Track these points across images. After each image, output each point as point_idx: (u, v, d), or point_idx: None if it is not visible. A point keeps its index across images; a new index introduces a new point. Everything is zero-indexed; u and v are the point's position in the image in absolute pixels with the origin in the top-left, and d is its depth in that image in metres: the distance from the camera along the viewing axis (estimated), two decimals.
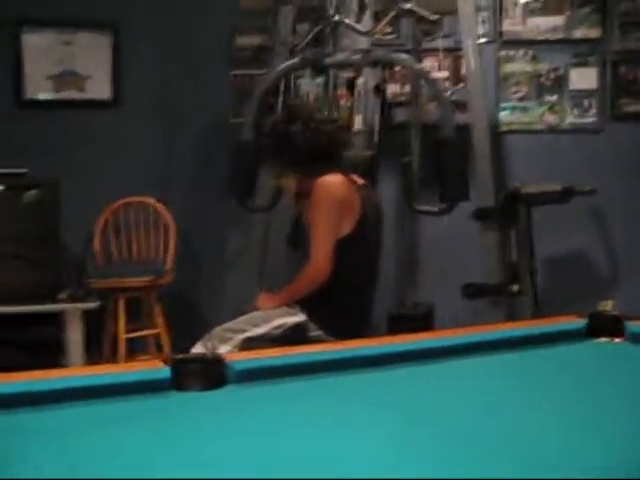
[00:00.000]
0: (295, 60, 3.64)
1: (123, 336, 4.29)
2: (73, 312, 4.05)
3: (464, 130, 3.84)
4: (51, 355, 3.96)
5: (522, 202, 3.62)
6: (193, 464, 1.13)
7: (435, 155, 3.44)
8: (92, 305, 4.09)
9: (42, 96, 4.74)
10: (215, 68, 4.85)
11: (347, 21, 3.45)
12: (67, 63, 4.76)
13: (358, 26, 3.46)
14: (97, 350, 4.35)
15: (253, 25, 4.69)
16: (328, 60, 3.47)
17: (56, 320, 4.14)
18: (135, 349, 4.51)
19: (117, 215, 4.68)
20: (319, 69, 3.69)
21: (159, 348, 4.46)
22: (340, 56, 3.46)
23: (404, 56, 3.73)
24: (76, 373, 1.61)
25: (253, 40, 4.69)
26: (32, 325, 4.14)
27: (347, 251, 2.89)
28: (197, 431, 1.32)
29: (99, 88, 4.84)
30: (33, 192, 4.19)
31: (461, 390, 1.56)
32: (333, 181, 2.88)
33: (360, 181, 3.04)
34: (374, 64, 3.55)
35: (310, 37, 3.56)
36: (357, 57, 3.44)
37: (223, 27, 4.81)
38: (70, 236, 4.57)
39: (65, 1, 4.70)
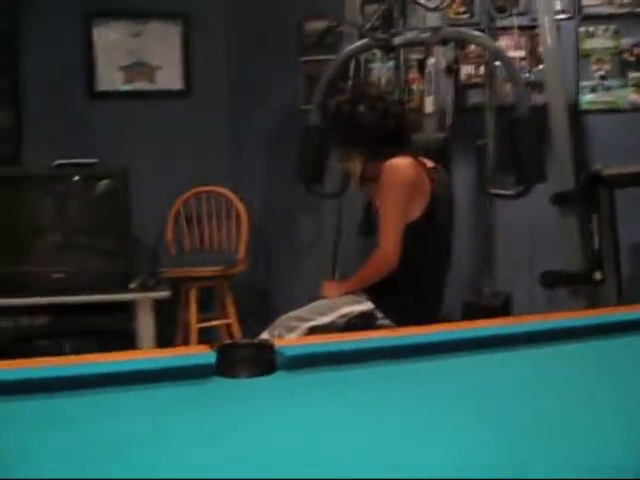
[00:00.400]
0: (363, 41, 3.53)
1: (195, 326, 4.29)
2: (144, 301, 4.05)
3: (541, 111, 3.67)
4: (122, 344, 3.97)
5: (604, 185, 3.41)
6: (232, 453, 1.04)
7: (510, 136, 3.28)
8: (163, 294, 4.08)
9: (113, 87, 4.76)
10: (284, 55, 4.79)
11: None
12: (137, 54, 4.78)
13: (426, 1, 3.32)
14: (169, 341, 4.35)
15: (322, 9, 4.59)
16: (397, 40, 3.34)
17: (128, 309, 4.16)
18: (207, 339, 4.49)
19: (189, 205, 4.67)
20: (388, 50, 3.56)
21: (231, 338, 4.43)
22: (409, 35, 3.33)
23: (477, 33, 3.56)
24: (114, 358, 1.55)
25: (322, 25, 4.60)
26: (104, 314, 4.17)
27: (417, 236, 2.78)
28: (240, 419, 1.24)
29: (169, 78, 4.84)
30: (104, 182, 4.21)
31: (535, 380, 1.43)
32: (402, 163, 2.77)
33: (430, 164, 2.91)
34: (444, 42, 3.40)
35: (377, 16, 3.44)
36: (427, 35, 3.30)
37: (291, 13, 4.75)
38: (142, 226, 4.59)
39: None
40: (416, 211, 2.78)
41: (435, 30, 3.31)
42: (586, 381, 1.42)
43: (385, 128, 2.84)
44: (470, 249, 4.22)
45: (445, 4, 3.35)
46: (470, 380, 1.45)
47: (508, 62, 3.30)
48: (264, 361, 1.55)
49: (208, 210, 4.67)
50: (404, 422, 1.17)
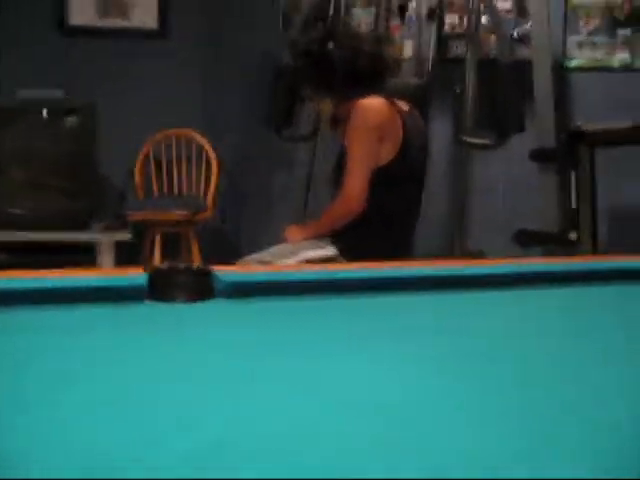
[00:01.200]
0: None
1: None
2: (106, 243, 3.93)
3: (526, 65, 3.55)
4: None
5: (585, 141, 3.31)
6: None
7: (489, 84, 3.15)
8: (125, 236, 3.96)
9: (85, 22, 4.57)
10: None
11: None
12: None
13: None
14: None
15: None
16: None
17: (91, 251, 4.03)
18: None
19: (159, 147, 4.53)
20: None
21: None
22: None
23: None
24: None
25: None
26: (66, 254, 4.03)
27: (385, 181, 2.64)
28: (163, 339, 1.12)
29: (145, 16, 4.66)
30: (70, 118, 4.05)
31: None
32: (373, 103, 2.63)
33: (405, 107, 2.77)
34: None
35: None
36: None
37: None
38: (111, 167, 4.45)
39: None
40: (386, 155, 2.64)
41: None
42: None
43: (357, 67, 2.68)
44: (443, 202, 4.11)
45: None
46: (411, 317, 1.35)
47: (492, 6, 3.16)
48: (201, 287, 1.45)
49: (178, 154, 4.53)
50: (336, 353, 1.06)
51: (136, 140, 4.44)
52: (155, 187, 4.53)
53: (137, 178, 4.47)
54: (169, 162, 4.53)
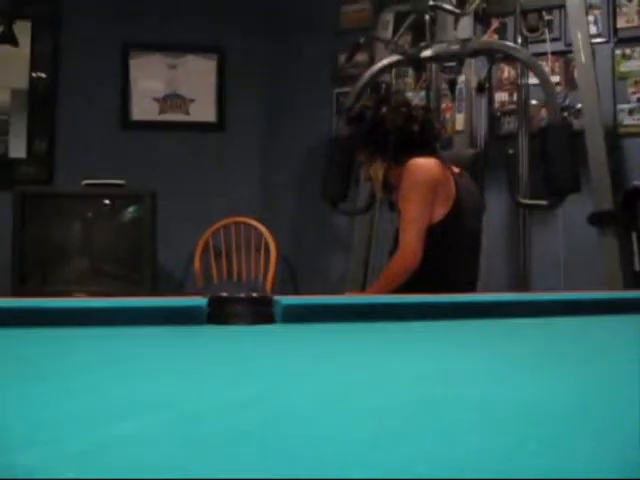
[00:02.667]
0: (391, 57, 3.48)
1: None
2: None
3: (579, 136, 3.56)
4: None
5: None
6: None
7: (541, 145, 3.16)
8: None
9: (147, 117, 4.78)
10: (318, 87, 4.79)
11: (444, 5, 3.26)
12: (172, 86, 4.82)
13: (452, 7, 3.27)
14: None
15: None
16: (425, 52, 3.28)
17: None
18: None
19: (218, 235, 4.61)
20: (418, 66, 3.49)
21: None
22: (438, 48, 3.26)
23: (508, 43, 3.49)
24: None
25: (357, 57, 4.58)
26: None
27: (440, 238, 2.64)
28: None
29: (203, 111, 4.85)
30: (132, 207, 4.18)
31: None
32: (426, 162, 2.67)
33: (456, 169, 2.81)
34: (475, 54, 3.32)
35: (405, 27, 3.38)
36: (456, 47, 3.23)
37: (326, 47, 4.76)
38: (171, 256, 4.54)
39: (172, 25, 4.78)
40: (439, 212, 2.65)
41: (465, 42, 3.25)
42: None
43: (408, 132, 2.74)
44: (502, 266, 4.07)
45: (472, 8, 3.29)
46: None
47: (540, 70, 3.21)
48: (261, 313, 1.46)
49: (237, 241, 4.60)
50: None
51: (195, 229, 4.54)
52: (215, 274, 4.59)
53: (197, 265, 4.54)
54: (228, 249, 4.60)
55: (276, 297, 1.49)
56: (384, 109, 2.75)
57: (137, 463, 0.50)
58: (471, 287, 2.85)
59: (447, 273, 2.71)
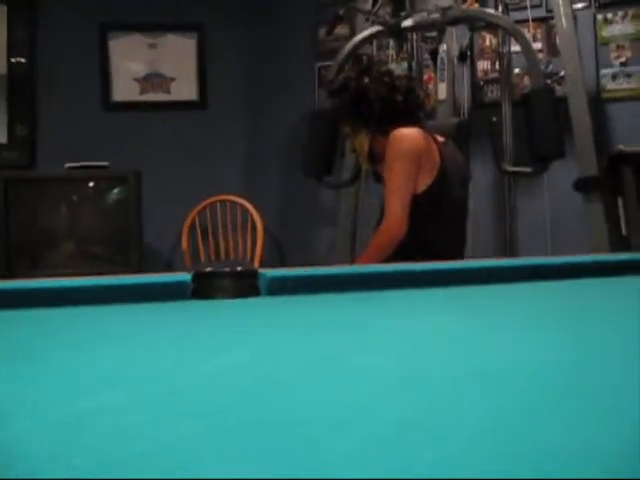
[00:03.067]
0: (371, 28, 3.45)
1: None
2: None
3: (561, 102, 3.55)
4: None
5: (628, 163, 3.26)
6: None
7: (525, 112, 3.15)
8: None
9: (128, 98, 4.74)
10: (300, 63, 4.75)
11: None
12: (153, 66, 4.77)
13: None
14: None
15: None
16: (406, 22, 3.25)
17: None
18: None
19: (204, 214, 4.60)
20: (399, 37, 3.45)
21: None
22: (418, 17, 3.24)
23: (489, 10, 3.46)
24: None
25: (338, 30, 4.55)
26: None
27: (425, 208, 2.63)
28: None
29: (185, 90, 4.82)
30: (117, 189, 4.16)
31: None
32: (409, 132, 2.65)
33: (440, 138, 2.79)
34: (455, 22, 3.30)
35: None
36: (437, 16, 3.21)
37: (307, 20, 4.73)
38: (157, 236, 4.53)
39: (150, 4, 4.73)
40: (424, 182, 2.64)
41: (445, 10, 3.22)
42: None
43: (392, 102, 2.72)
44: (490, 235, 4.07)
45: None
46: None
47: (522, 37, 3.19)
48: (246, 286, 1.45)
49: (223, 220, 4.59)
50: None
51: (181, 208, 4.52)
52: (202, 253, 4.58)
53: (184, 245, 4.52)
54: (215, 228, 4.59)
55: (261, 270, 1.48)
56: (366, 79, 2.73)
57: (119, 432, 0.50)
58: (458, 256, 2.85)
59: (433, 242, 2.70)
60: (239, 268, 1.53)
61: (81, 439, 0.49)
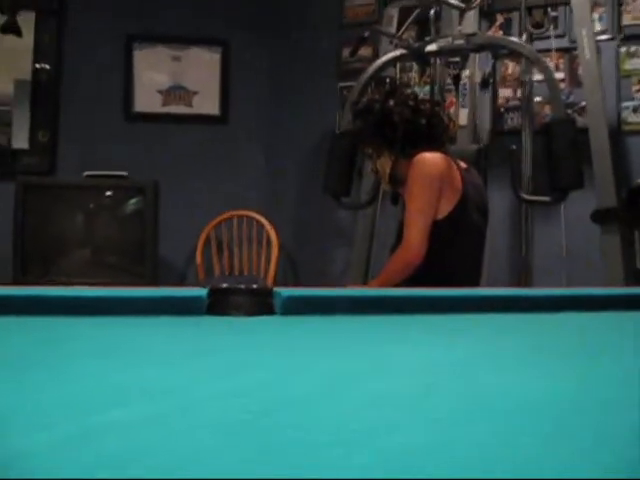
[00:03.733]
0: (395, 51, 3.46)
1: None
2: None
3: (583, 134, 3.55)
4: None
5: None
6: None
7: (545, 140, 3.15)
8: None
9: (150, 109, 4.78)
10: (323, 81, 4.78)
11: (449, 0, 3.25)
12: (176, 78, 4.81)
13: (457, 2, 3.25)
14: None
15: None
16: (430, 47, 3.26)
17: None
18: None
19: (220, 229, 4.61)
20: (422, 61, 3.46)
21: None
22: (442, 42, 3.25)
23: (512, 39, 3.47)
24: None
25: (361, 52, 4.57)
26: None
27: (445, 234, 2.63)
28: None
29: (207, 104, 4.85)
30: (134, 199, 4.18)
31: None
32: (432, 157, 2.65)
33: (463, 164, 2.79)
34: (480, 49, 3.31)
35: (410, 22, 3.37)
36: (461, 42, 3.22)
37: (330, 41, 4.76)
38: (172, 248, 4.54)
39: (176, 17, 4.77)
40: (445, 207, 2.64)
41: (469, 37, 3.24)
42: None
43: (416, 125, 2.73)
44: (505, 262, 4.06)
45: (477, 3, 3.27)
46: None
47: (544, 66, 3.20)
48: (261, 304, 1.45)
49: (239, 235, 4.60)
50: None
51: (197, 221, 4.54)
52: (216, 268, 4.59)
53: (198, 259, 4.53)
54: (230, 243, 4.60)
55: (276, 289, 1.48)
56: (391, 102, 2.74)
57: (130, 449, 0.50)
58: (474, 282, 2.84)
59: (451, 268, 2.70)
60: (255, 285, 1.53)
61: (92, 454, 0.49)
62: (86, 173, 4.12)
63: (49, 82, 4.63)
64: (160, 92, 4.79)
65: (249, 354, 0.98)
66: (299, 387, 0.74)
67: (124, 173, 4.13)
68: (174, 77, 4.80)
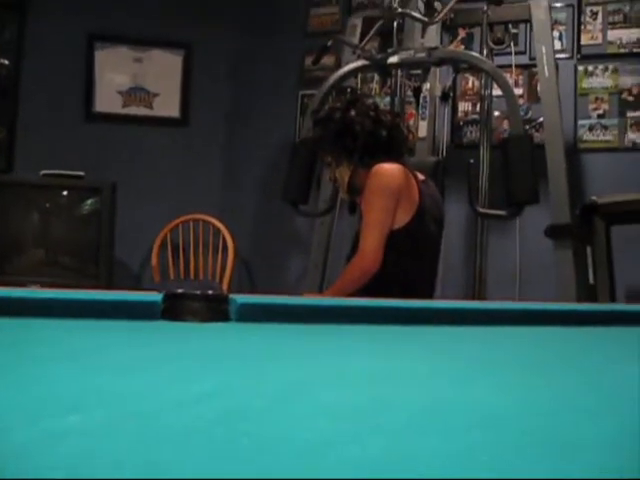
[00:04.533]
0: (357, 62, 3.49)
1: None
2: None
3: (539, 149, 3.61)
4: None
5: (600, 214, 3.32)
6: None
7: (502, 155, 3.20)
8: None
9: (110, 110, 4.74)
10: (285, 89, 4.79)
11: (412, 13, 3.29)
12: (137, 80, 4.78)
13: (420, 15, 3.29)
14: None
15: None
16: (392, 59, 3.29)
17: None
18: None
19: (176, 232, 4.59)
20: (384, 72, 3.49)
21: None
22: (404, 55, 3.28)
23: (473, 53, 3.52)
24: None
25: (324, 60, 4.59)
26: None
27: (400, 245, 2.66)
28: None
29: (167, 106, 4.82)
30: (91, 200, 4.14)
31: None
32: (390, 168, 2.68)
33: (421, 176, 2.82)
34: (440, 63, 3.35)
35: (373, 33, 3.40)
36: (422, 55, 3.26)
37: (294, 48, 4.77)
38: (128, 250, 4.50)
39: (139, 18, 4.74)
40: (402, 218, 2.67)
41: (431, 50, 3.27)
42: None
43: (376, 136, 2.75)
44: (459, 273, 4.11)
45: (440, 17, 3.32)
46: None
47: (504, 82, 3.25)
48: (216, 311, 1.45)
49: (195, 239, 4.58)
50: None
51: (154, 224, 4.51)
52: (172, 271, 4.56)
53: (154, 261, 4.50)
54: (186, 246, 4.58)
55: (232, 295, 1.48)
56: (353, 112, 2.76)
57: (84, 456, 0.50)
58: (428, 293, 2.87)
59: (406, 279, 2.73)
60: (210, 291, 1.53)
61: (47, 459, 0.48)
62: (43, 172, 4.07)
63: (8, 78, 4.57)
64: (120, 93, 4.76)
65: (204, 361, 0.98)
66: (254, 395, 0.74)
67: (81, 173, 4.09)
68: (135, 78, 4.78)
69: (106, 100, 4.72)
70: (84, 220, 4.18)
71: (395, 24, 3.54)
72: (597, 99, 4.03)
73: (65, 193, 4.15)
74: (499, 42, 3.80)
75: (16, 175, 4.46)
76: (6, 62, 4.57)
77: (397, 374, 0.92)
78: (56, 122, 4.61)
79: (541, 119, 3.90)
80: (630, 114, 3.97)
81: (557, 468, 0.50)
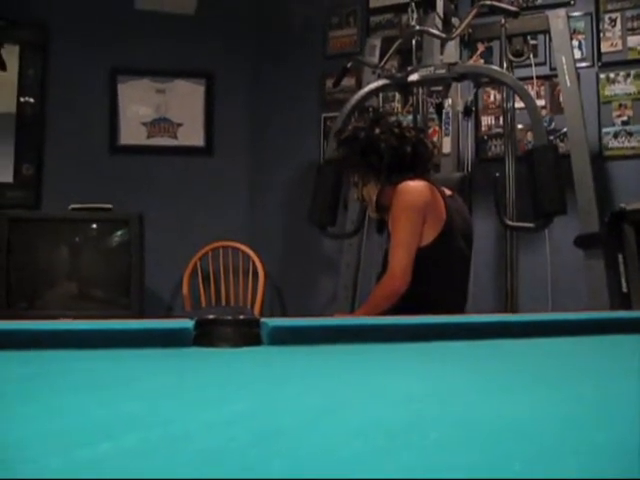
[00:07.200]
0: (378, 81, 3.49)
1: None
2: None
3: (565, 159, 3.58)
4: None
5: (629, 222, 3.28)
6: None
7: (528, 167, 3.18)
8: None
9: (135, 142, 4.80)
10: (306, 112, 4.81)
11: (430, 30, 3.30)
12: (161, 110, 4.83)
13: (438, 32, 3.30)
14: None
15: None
16: (412, 77, 3.30)
17: None
18: None
19: (206, 259, 4.61)
20: (405, 90, 3.50)
21: None
22: (424, 72, 3.29)
23: (494, 67, 3.52)
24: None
25: (344, 82, 4.61)
26: None
27: (429, 262, 2.65)
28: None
29: (191, 135, 4.87)
30: (120, 232, 4.17)
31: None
32: (416, 185, 2.67)
33: (447, 191, 2.81)
34: (461, 78, 3.35)
35: (392, 52, 3.41)
36: (443, 71, 3.26)
37: (314, 71, 4.80)
38: (158, 280, 4.53)
39: (160, 50, 4.80)
40: (430, 234, 2.66)
41: (451, 66, 3.27)
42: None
43: (401, 153, 2.75)
44: (490, 287, 4.08)
45: (458, 32, 3.32)
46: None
47: (525, 94, 3.23)
48: (248, 335, 1.45)
49: (225, 265, 4.60)
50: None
51: (183, 253, 4.54)
52: (203, 299, 4.58)
53: (185, 290, 4.52)
54: (216, 274, 4.60)
55: (263, 319, 1.48)
56: (377, 130, 2.76)
57: None
58: (460, 309, 2.85)
59: (436, 295, 2.71)
60: (241, 316, 1.53)
61: None
62: (71, 206, 4.12)
63: (33, 115, 4.64)
64: (145, 124, 4.81)
65: (236, 385, 0.98)
66: (287, 417, 0.74)
67: (109, 206, 4.13)
68: (158, 109, 4.83)
69: (131, 132, 4.79)
70: (114, 252, 4.21)
71: (414, 42, 3.55)
72: (621, 106, 4.01)
73: (94, 226, 4.20)
74: (518, 54, 3.80)
75: (45, 210, 4.52)
76: (32, 100, 4.65)
77: (431, 391, 0.92)
78: (82, 156, 4.67)
79: (565, 129, 3.88)
80: None
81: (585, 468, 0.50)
